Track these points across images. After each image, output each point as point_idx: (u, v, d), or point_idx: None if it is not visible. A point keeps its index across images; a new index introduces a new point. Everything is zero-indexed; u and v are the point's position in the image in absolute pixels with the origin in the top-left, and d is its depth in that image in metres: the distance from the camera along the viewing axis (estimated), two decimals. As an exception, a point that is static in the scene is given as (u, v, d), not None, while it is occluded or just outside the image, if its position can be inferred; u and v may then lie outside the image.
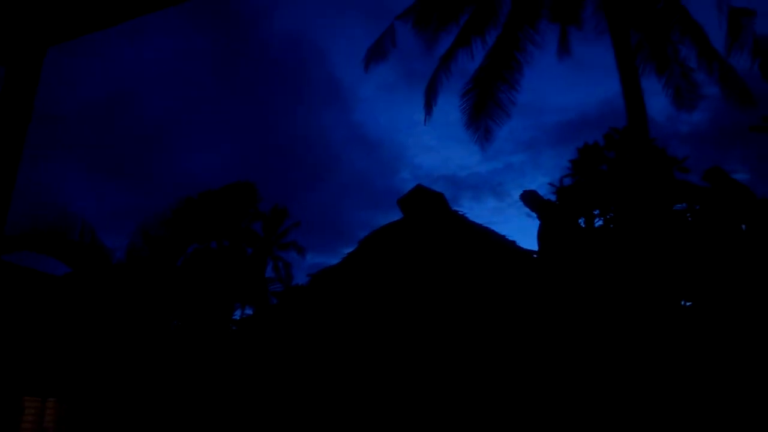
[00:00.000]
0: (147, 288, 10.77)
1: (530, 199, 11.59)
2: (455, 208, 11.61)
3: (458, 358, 7.73)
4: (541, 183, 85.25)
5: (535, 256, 11.07)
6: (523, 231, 21.13)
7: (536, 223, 12.23)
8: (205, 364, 9.56)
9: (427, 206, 11.08)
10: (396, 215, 11.94)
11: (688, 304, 10.42)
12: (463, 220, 10.93)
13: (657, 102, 12.08)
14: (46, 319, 10.43)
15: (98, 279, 11.10)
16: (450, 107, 13.59)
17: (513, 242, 9.78)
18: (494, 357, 7.65)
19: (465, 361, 7.69)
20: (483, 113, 12.98)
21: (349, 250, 11.11)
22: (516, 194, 13.12)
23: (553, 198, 14.36)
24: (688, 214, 11.56)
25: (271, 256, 28.25)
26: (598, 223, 13.35)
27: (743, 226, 10.36)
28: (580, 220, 13.29)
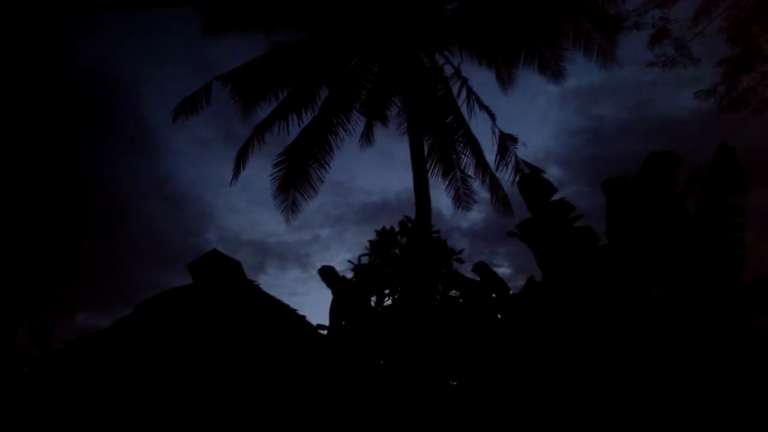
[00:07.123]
0: None
1: (326, 274, 11.96)
2: (261, 275, 11.37)
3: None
4: (343, 258, 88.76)
5: (324, 331, 11.26)
6: (325, 303, 21.46)
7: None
8: None
9: (221, 273, 10.59)
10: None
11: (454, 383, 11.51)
12: (256, 290, 10.66)
13: (446, 198, 13.95)
14: None
15: None
16: (264, 173, 13.64)
17: (303, 317, 9.82)
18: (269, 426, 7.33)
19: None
20: (292, 186, 13.33)
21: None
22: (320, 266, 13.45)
23: (351, 274, 15.01)
24: (460, 300, 13.09)
25: (31, 313, 23.62)
26: (388, 301, 14.29)
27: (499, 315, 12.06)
28: (372, 298, 14.07)
